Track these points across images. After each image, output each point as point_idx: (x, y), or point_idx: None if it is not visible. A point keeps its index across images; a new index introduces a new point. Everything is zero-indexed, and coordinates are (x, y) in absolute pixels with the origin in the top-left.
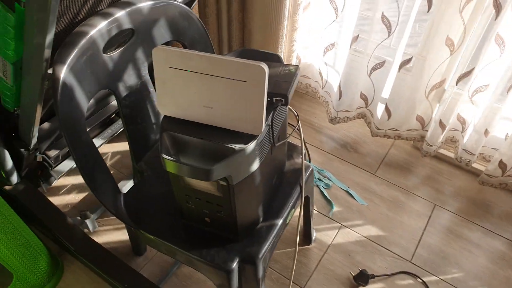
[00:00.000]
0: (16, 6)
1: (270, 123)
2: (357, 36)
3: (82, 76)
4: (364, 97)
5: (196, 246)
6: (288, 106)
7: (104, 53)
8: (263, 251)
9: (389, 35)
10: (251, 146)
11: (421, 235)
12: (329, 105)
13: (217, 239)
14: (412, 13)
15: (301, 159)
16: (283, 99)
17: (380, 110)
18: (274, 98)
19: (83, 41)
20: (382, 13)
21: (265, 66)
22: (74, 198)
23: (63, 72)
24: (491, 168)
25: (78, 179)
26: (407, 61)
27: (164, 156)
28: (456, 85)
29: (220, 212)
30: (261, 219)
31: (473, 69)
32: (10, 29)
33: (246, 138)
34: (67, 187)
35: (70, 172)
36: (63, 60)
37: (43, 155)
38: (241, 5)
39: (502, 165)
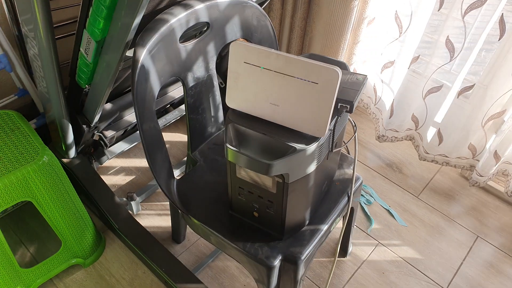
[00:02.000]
0: None
1: (333, 128)
2: (418, 57)
3: (158, 61)
4: (415, 119)
5: (241, 238)
6: (349, 115)
7: (180, 42)
8: (306, 253)
9: (450, 60)
10: (312, 147)
11: (459, 264)
12: (379, 123)
13: (261, 234)
14: (480, 40)
15: (352, 169)
16: (348, 106)
17: (431, 134)
18: (339, 104)
19: (163, 28)
20: (447, 37)
21: (339, 70)
22: (121, 180)
23: (143, 55)
24: None
25: (127, 163)
26: (468, 88)
27: (228, 145)
28: None
29: (270, 208)
30: (307, 222)
31: None
32: (103, 8)
33: (308, 139)
34: (116, 168)
35: (120, 155)
36: (144, 43)
37: (100, 134)
38: (305, 13)
39: None
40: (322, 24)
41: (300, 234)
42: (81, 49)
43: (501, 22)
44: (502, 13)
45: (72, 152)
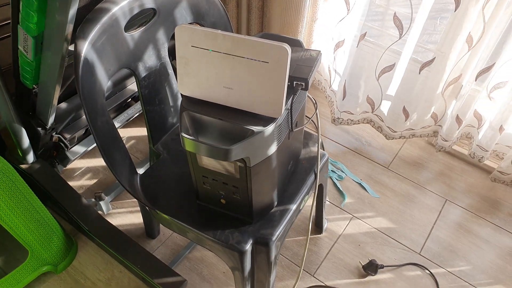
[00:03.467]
0: None
1: (290, 107)
2: (365, 34)
3: (103, 53)
4: (370, 101)
5: (211, 227)
6: (307, 93)
7: (125, 32)
8: (277, 234)
9: (400, 37)
10: (270, 128)
11: (431, 228)
12: (333, 105)
13: (231, 221)
14: (426, 11)
15: (317, 147)
16: (303, 84)
17: (396, 112)
18: (294, 82)
19: (105, 18)
20: (395, 13)
21: (288, 47)
22: (89, 180)
23: (85, 48)
24: (504, 165)
25: (93, 162)
26: (429, 62)
27: (184, 135)
28: (475, 80)
29: (236, 194)
30: (276, 203)
31: (493, 65)
32: (33, 1)
33: (265, 120)
34: (81, 170)
35: (85, 155)
36: (85, 36)
37: (59, 136)
38: None
39: None
40: (279, 2)
41: (269, 216)
42: (19, 47)
43: None
44: None
45: (31, 157)
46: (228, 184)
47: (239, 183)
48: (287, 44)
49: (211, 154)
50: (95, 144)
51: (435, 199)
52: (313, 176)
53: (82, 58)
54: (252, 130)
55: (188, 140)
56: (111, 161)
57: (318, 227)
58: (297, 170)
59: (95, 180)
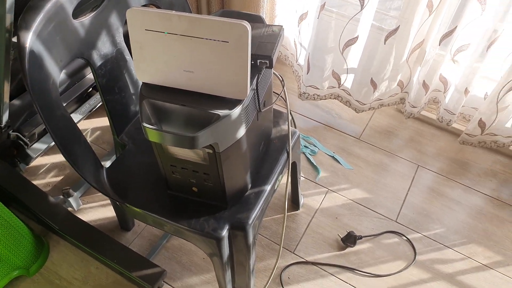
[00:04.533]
0: None
1: (255, 87)
2: (324, 4)
3: (51, 44)
4: (336, 76)
5: (185, 216)
6: (273, 70)
7: (74, 19)
8: (253, 217)
9: (362, 8)
10: (236, 111)
11: (405, 195)
12: (300, 80)
13: (205, 208)
14: None
15: (287, 125)
16: (267, 61)
17: (362, 84)
18: (258, 61)
19: (48, 5)
20: None
21: (247, 25)
22: (55, 177)
23: (29, 39)
24: (471, 127)
25: (57, 158)
26: (393, 31)
27: (145, 125)
28: (439, 45)
29: (208, 181)
30: (250, 186)
31: (455, 28)
32: None
33: (231, 103)
34: (46, 166)
35: (48, 151)
36: (28, 26)
37: (17, 133)
38: None
39: (481, 123)
40: None
41: (244, 199)
42: None
43: None
44: None
45: None
46: (199, 172)
47: (209, 170)
48: (246, 21)
49: (177, 143)
50: None
51: (407, 165)
52: (285, 155)
53: (27, 51)
54: (218, 114)
55: (150, 130)
56: (73, 158)
57: (294, 203)
58: (269, 150)
59: (61, 176)
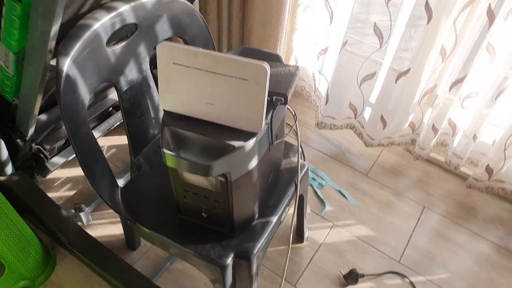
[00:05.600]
0: None
1: (270, 122)
2: (345, 42)
3: (85, 69)
4: (353, 108)
5: (192, 240)
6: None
7: (107, 47)
8: (258, 247)
9: (380, 46)
10: (250, 143)
11: (410, 236)
12: (318, 110)
13: (213, 234)
14: (404, 22)
15: (297, 158)
16: (282, 99)
17: (374, 120)
18: (274, 97)
19: (87, 34)
20: (374, 23)
21: (267, 66)
22: (68, 191)
23: (67, 64)
24: (479, 172)
25: (73, 172)
26: (405, 72)
27: (165, 150)
28: (449, 90)
29: (217, 208)
30: (257, 215)
31: (465, 76)
32: (15, 19)
33: (246, 135)
34: (61, 180)
35: (65, 165)
36: (67, 52)
37: (38, 146)
38: (241, 3)
39: (489, 169)
40: (259, 13)
41: (251, 228)
42: (0, 61)
43: (427, 6)
44: None
45: (9, 169)
46: (209, 198)
47: (220, 197)
48: (266, 63)
49: (193, 170)
50: (74, 155)
51: (414, 206)
52: (293, 187)
53: (64, 74)
54: (233, 145)
55: (169, 156)
56: (92, 175)
57: (299, 236)
58: (278, 181)
59: (75, 191)
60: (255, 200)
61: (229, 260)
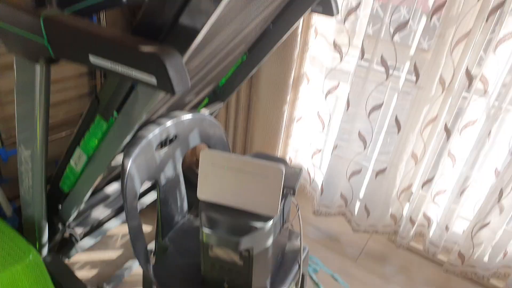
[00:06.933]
0: (110, 119)
1: (282, 208)
2: (336, 146)
3: (139, 167)
4: (344, 198)
5: None
6: (292, 198)
7: (155, 151)
8: None
9: (364, 148)
10: (269, 224)
11: None
12: (314, 200)
13: None
14: (382, 133)
15: (299, 241)
16: (292, 190)
17: (359, 209)
18: (285, 189)
19: (143, 142)
20: (359, 131)
21: (282, 168)
22: (88, 272)
23: (129, 164)
24: (452, 258)
25: (91, 256)
26: (382, 170)
27: (204, 229)
28: (422, 188)
29: (238, 279)
30: None
31: (433, 176)
32: (100, 132)
33: (265, 218)
34: (80, 263)
35: (83, 250)
36: (130, 155)
37: (71, 231)
38: (246, 116)
39: (461, 255)
40: (260, 125)
41: None
42: (71, 161)
43: (397, 120)
44: (396, 114)
45: (45, 251)
46: (232, 270)
47: (242, 269)
48: (282, 165)
49: (225, 244)
50: (98, 239)
51: None
52: (297, 266)
53: (127, 172)
54: (255, 226)
55: (206, 234)
56: (136, 250)
57: None
58: (283, 261)
59: (94, 272)
60: (268, 273)
61: None
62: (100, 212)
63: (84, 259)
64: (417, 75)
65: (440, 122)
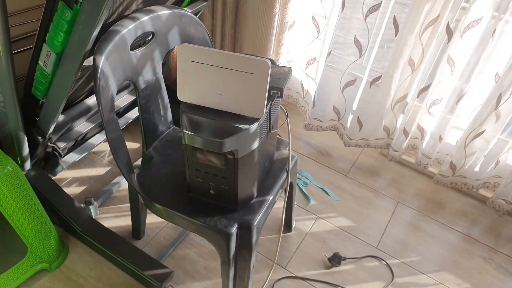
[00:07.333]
0: (74, 5)
1: (269, 111)
2: (330, 52)
3: (114, 67)
4: (337, 111)
5: (201, 214)
6: (280, 104)
7: (130, 50)
8: (258, 219)
9: (360, 56)
10: (254, 126)
11: (385, 226)
12: (306, 114)
13: (219, 209)
14: (379, 38)
15: (288, 150)
16: (279, 92)
17: (351, 121)
18: (272, 91)
19: (116, 38)
20: (355, 36)
21: (269, 61)
22: (76, 189)
23: (102, 62)
24: (444, 168)
25: (79, 173)
26: (377, 78)
27: (185, 131)
28: (417, 97)
29: (224, 184)
30: (255, 195)
31: (430, 85)
32: (64, 23)
33: (250, 120)
34: (68, 179)
35: (71, 166)
36: (102, 51)
37: (53, 145)
38: (233, 22)
39: (452, 166)
40: (249, 31)
41: (251, 205)
42: (39, 62)
43: (395, 21)
44: (394, 15)
45: (28, 165)
46: (218, 175)
47: (227, 174)
48: (268, 59)
49: (208, 146)
50: (83, 154)
51: (388, 201)
52: (285, 174)
53: (99, 70)
54: (240, 127)
55: (189, 136)
56: (116, 155)
57: (287, 226)
58: (271, 169)
59: (82, 188)
60: (255, 179)
61: (234, 229)
62: (83, 126)
63: (71, 175)
64: None
65: (442, 22)
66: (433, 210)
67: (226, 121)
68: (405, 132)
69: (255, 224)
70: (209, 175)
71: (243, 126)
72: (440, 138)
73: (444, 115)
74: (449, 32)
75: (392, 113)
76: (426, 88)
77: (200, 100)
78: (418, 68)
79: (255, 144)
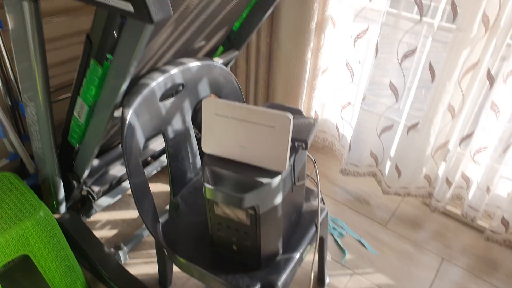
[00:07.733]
0: (104, 62)
1: (292, 164)
2: (365, 96)
3: (142, 118)
4: (374, 156)
5: (223, 271)
6: (307, 152)
7: (160, 101)
8: (282, 279)
9: (396, 101)
10: (276, 180)
11: (429, 286)
12: (343, 157)
13: (241, 266)
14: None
15: (317, 202)
16: (303, 144)
17: (389, 169)
18: (296, 143)
19: (145, 91)
20: (390, 80)
21: (290, 116)
22: (108, 232)
23: (129, 114)
24: (495, 224)
25: (112, 216)
26: (415, 124)
27: (206, 184)
28: (460, 145)
29: (246, 240)
30: (281, 251)
31: (473, 132)
32: (96, 78)
33: (273, 174)
34: (101, 222)
35: (105, 209)
36: (130, 104)
37: (88, 189)
38: (267, 68)
39: (504, 221)
40: (282, 76)
41: (275, 263)
42: (74, 113)
43: (431, 67)
44: (430, 60)
45: (63, 208)
46: (240, 231)
47: (249, 230)
48: (289, 113)
49: (228, 201)
50: (117, 198)
51: (432, 257)
52: (314, 228)
53: (127, 122)
54: (262, 182)
55: (209, 189)
56: (141, 207)
57: (320, 282)
58: (299, 222)
59: (114, 232)
60: (279, 234)
61: None
62: (118, 170)
63: (104, 218)
64: (455, 13)
65: (482, 68)
66: (485, 270)
67: (248, 175)
68: (448, 182)
69: (279, 284)
70: (231, 229)
71: (264, 180)
72: (488, 189)
73: (491, 164)
74: (491, 78)
75: (433, 161)
76: (469, 135)
77: (223, 152)
78: (459, 114)
79: (278, 199)
